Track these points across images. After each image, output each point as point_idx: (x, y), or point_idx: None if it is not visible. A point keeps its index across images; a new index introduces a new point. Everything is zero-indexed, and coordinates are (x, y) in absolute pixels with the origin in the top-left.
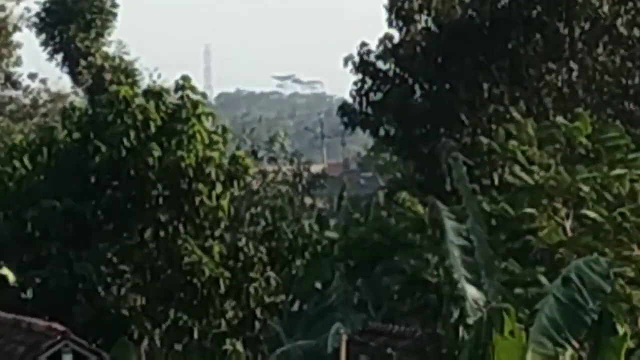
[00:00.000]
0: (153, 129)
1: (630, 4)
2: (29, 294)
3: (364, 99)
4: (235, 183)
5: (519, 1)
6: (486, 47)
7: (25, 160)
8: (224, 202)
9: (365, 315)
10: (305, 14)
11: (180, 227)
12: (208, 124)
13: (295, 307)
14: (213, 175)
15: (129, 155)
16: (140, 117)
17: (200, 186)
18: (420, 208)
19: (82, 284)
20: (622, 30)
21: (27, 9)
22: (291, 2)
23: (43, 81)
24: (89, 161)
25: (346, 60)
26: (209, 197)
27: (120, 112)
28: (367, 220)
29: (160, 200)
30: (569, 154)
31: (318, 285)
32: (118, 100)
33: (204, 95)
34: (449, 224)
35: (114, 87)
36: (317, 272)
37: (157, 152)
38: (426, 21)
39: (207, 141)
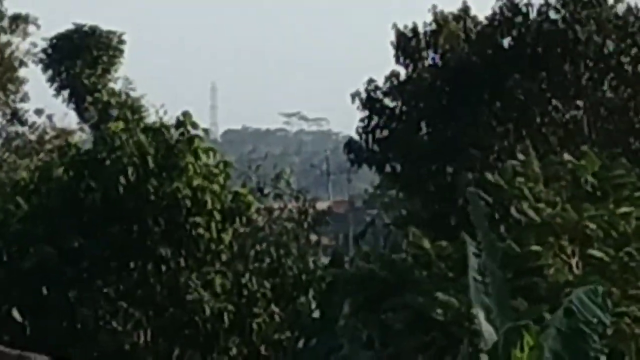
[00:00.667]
0: (151, 164)
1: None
2: (32, 331)
3: (371, 135)
4: (237, 219)
5: (524, 39)
6: (492, 85)
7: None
8: (226, 237)
9: (372, 353)
10: (311, 51)
11: (182, 261)
12: (209, 159)
13: (300, 344)
14: (209, 205)
15: (126, 191)
16: (136, 153)
17: (198, 218)
18: (426, 244)
19: (82, 326)
20: (627, 67)
21: (34, 44)
22: (297, 40)
23: (49, 117)
24: (83, 199)
25: (353, 97)
26: (207, 229)
27: (115, 148)
28: (374, 257)
29: (160, 235)
30: (575, 191)
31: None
32: (112, 137)
33: (205, 131)
34: (473, 260)
35: (110, 124)
36: (325, 308)
37: (154, 185)
38: (433, 59)
39: (204, 173)
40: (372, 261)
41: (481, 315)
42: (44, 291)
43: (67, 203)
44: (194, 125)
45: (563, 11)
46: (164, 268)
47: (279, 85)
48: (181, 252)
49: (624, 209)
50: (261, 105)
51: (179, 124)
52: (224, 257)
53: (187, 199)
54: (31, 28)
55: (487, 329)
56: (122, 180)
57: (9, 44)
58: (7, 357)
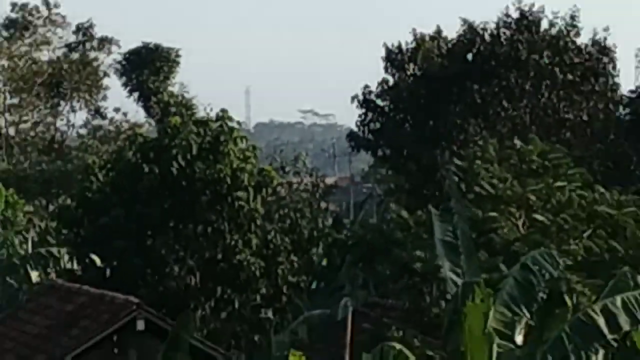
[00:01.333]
0: (195, 151)
1: (564, 57)
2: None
3: (366, 127)
4: (264, 190)
5: (482, 55)
6: (458, 90)
7: (100, 175)
8: (257, 205)
9: (367, 292)
10: (322, 62)
11: (225, 225)
12: (242, 144)
13: (314, 285)
14: (245, 182)
15: (179, 171)
16: (189, 141)
17: (239, 193)
18: (404, 214)
19: (150, 269)
20: (559, 75)
21: (114, 60)
22: (313, 52)
23: (124, 114)
24: (147, 176)
25: (353, 98)
26: (247, 201)
27: (173, 137)
28: (366, 224)
29: (206, 205)
30: (521, 170)
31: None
32: (171, 129)
33: (239, 123)
34: (437, 224)
35: (170, 119)
36: (330, 258)
37: (200, 167)
38: (413, 69)
39: (240, 156)
40: (365, 227)
41: (446, 266)
42: (117, 243)
43: (133, 179)
44: (230, 119)
45: (509, 33)
46: (209, 230)
47: (298, 88)
48: (224, 218)
49: (559, 183)
50: (284, 103)
51: (218, 118)
52: (257, 222)
53: (228, 177)
54: (113, 47)
55: (451, 276)
56: (177, 162)
57: (96, 59)
58: (91, 296)
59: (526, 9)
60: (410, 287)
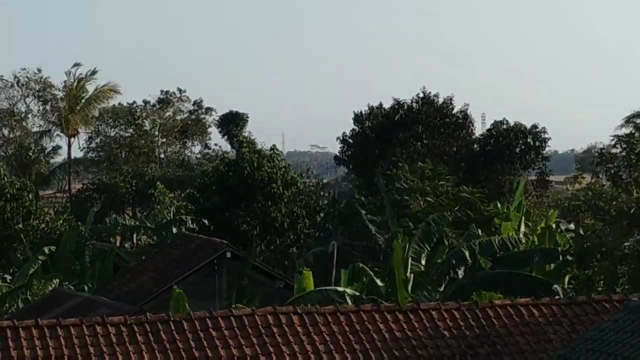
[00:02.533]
0: (255, 165)
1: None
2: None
3: (344, 154)
4: (291, 187)
5: (405, 120)
6: (394, 138)
7: (208, 178)
8: (287, 193)
9: (343, 238)
10: (322, 120)
11: (269, 203)
12: (282, 162)
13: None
14: (280, 182)
15: (248, 175)
16: (251, 162)
17: (275, 185)
18: (362, 198)
19: (234, 227)
20: (438, 141)
21: (214, 119)
22: (316, 111)
23: (220, 146)
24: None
25: (337, 139)
26: (282, 191)
27: (244, 158)
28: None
29: (262, 195)
30: (421, 175)
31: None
32: (242, 155)
33: (280, 152)
34: (387, 205)
35: (243, 150)
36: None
37: (254, 177)
38: (368, 124)
39: (279, 169)
40: (342, 205)
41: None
42: (216, 213)
43: (225, 180)
44: (276, 148)
45: (416, 107)
46: (264, 205)
47: (309, 130)
48: (271, 200)
49: (441, 182)
50: (301, 140)
51: (271, 148)
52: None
53: (278, 178)
54: (213, 112)
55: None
56: (246, 170)
57: (205, 118)
58: (203, 240)
59: (429, 92)
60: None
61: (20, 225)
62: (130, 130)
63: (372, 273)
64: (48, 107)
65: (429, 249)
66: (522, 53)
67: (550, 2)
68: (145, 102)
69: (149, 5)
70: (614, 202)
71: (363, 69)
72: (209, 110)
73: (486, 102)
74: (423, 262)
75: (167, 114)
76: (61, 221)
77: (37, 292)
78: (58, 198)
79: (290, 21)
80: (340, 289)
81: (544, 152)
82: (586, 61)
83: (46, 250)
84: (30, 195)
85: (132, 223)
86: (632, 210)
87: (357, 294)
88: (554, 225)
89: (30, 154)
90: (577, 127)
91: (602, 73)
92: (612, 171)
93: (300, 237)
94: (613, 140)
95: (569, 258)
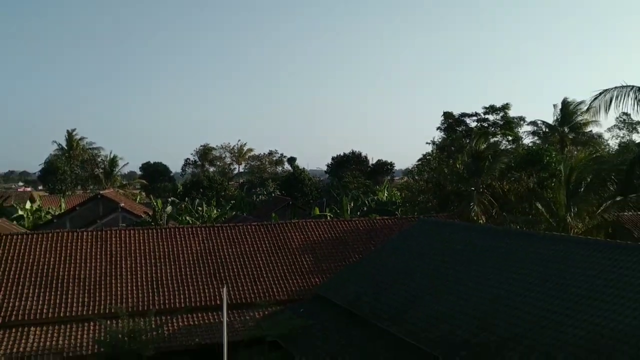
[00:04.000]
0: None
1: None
2: None
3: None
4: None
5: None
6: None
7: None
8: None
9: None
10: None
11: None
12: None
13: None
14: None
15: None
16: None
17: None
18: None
19: None
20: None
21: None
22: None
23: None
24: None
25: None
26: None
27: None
28: None
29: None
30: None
31: None
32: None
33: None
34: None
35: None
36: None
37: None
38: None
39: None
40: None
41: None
42: None
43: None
44: (304, 170)
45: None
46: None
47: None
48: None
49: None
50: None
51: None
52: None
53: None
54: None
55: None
56: (306, 184)
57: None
58: (280, 198)
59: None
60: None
61: (222, 193)
62: None
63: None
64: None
65: None
66: None
67: None
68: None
69: None
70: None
71: None
72: (290, 160)
73: None
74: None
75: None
76: (236, 192)
77: (230, 215)
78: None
79: None
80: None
81: None
82: None
83: (231, 202)
84: (224, 183)
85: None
86: None
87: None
88: None
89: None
90: None
91: None
92: None
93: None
94: None
95: None
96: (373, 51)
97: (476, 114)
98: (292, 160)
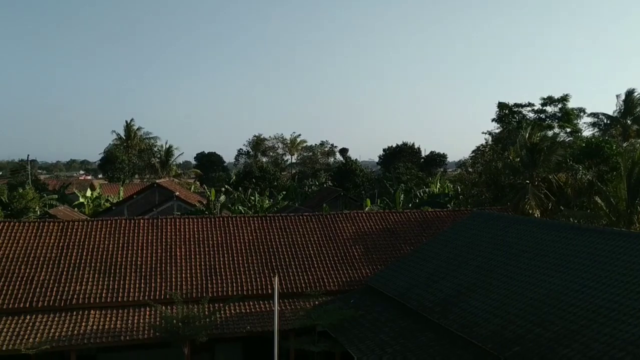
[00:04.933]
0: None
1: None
2: None
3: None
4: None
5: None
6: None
7: None
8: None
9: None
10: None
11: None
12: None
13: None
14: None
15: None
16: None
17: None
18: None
19: None
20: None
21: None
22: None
23: None
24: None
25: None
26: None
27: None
28: None
29: None
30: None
31: None
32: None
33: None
34: None
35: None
36: None
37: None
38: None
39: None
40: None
41: None
42: None
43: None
44: (356, 161)
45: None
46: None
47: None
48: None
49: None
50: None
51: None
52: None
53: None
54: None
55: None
56: (355, 177)
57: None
58: (332, 189)
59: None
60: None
61: (274, 184)
62: None
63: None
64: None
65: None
66: None
67: None
68: None
69: None
70: None
71: None
72: (343, 151)
73: None
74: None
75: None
76: (288, 183)
77: (282, 205)
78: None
79: None
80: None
81: None
82: None
83: (283, 192)
84: (276, 174)
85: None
86: None
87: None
88: None
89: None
90: None
91: None
92: None
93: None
94: None
95: None
96: (425, 41)
97: (530, 104)
98: (344, 151)
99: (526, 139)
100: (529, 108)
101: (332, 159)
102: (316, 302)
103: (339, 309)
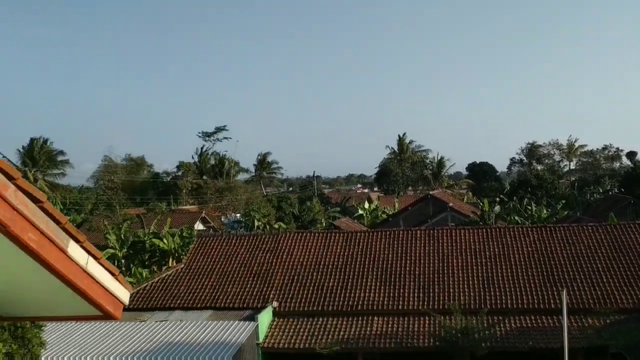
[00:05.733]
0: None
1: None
2: None
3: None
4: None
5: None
6: None
7: None
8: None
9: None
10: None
11: None
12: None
13: None
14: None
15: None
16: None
17: None
18: None
19: None
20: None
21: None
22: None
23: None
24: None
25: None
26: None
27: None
28: None
29: None
30: None
31: None
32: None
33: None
34: None
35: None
36: None
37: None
38: None
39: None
40: None
41: None
42: None
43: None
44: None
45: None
46: None
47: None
48: None
49: None
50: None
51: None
52: None
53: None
54: None
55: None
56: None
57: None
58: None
59: None
60: None
61: (552, 192)
62: None
63: None
64: None
65: None
66: None
67: None
68: None
69: None
70: None
71: None
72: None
73: None
74: None
75: None
76: (567, 191)
77: (562, 215)
78: None
79: None
80: None
81: None
82: None
83: (562, 201)
84: (554, 182)
85: None
86: None
87: None
88: None
89: None
90: None
91: None
92: None
93: None
94: None
95: None
96: None
97: None
98: (631, 154)
99: None
100: None
101: (618, 164)
102: (607, 320)
103: (636, 329)
